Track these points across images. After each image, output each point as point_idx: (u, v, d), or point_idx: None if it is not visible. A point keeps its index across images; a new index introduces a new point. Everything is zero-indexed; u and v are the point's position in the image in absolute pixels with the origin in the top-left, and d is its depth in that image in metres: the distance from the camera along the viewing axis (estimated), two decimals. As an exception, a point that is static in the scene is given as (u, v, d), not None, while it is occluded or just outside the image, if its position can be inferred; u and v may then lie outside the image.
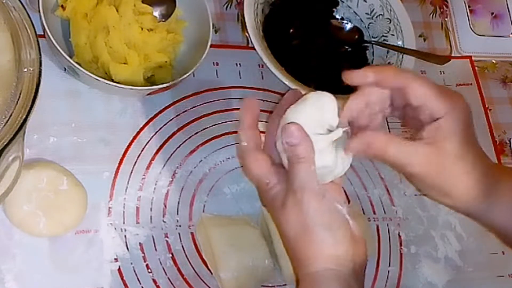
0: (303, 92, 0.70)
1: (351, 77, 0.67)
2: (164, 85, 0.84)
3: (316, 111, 0.66)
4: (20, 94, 0.68)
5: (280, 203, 0.66)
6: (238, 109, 0.93)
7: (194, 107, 0.91)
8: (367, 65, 1.02)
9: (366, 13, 1.04)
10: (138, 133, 0.87)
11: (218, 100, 0.93)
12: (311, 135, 0.65)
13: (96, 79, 0.81)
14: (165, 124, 0.89)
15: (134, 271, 0.80)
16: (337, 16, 1.05)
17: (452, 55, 1.11)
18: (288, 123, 0.65)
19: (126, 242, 0.81)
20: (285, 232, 0.66)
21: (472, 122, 0.68)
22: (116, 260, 0.80)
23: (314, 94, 0.68)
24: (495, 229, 0.72)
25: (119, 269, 0.79)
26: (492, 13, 1.17)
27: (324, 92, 0.68)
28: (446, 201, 0.70)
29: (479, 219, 0.71)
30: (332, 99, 0.67)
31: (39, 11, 0.80)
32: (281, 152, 0.67)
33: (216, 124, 0.91)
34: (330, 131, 0.66)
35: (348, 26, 1.05)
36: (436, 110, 0.66)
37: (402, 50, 1.01)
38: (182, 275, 0.82)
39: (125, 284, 0.79)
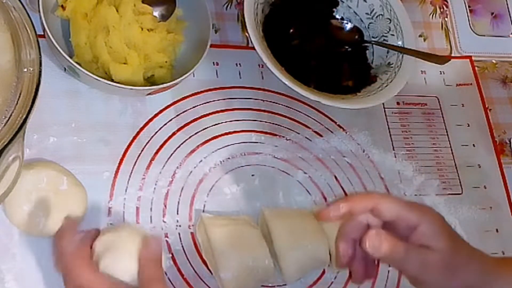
0: None
1: (326, 215, 0.70)
2: (164, 85, 0.84)
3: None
4: (20, 94, 0.68)
5: None
6: (238, 109, 0.93)
7: (194, 107, 0.91)
8: (368, 65, 1.02)
9: (366, 13, 1.04)
10: (138, 133, 0.87)
11: (218, 100, 0.93)
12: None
13: (96, 79, 0.81)
14: (165, 124, 0.89)
15: (134, 271, 0.80)
16: (337, 16, 1.05)
17: (452, 55, 1.11)
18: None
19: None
20: None
21: (450, 226, 0.71)
22: (116, 260, 0.80)
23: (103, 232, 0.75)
24: None
25: (119, 269, 0.79)
26: (492, 13, 1.17)
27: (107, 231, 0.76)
28: None
29: None
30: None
31: (39, 11, 0.80)
32: None
33: (216, 124, 0.91)
34: None
35: (348, 26, 1.05)
36: (410, 220, 0.69)
37: (402, 50, 1.01)
38: (182, 275, 0.82)
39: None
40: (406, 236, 0.69)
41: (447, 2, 1.15)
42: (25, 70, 0.69)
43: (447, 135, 1.04)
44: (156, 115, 0.89)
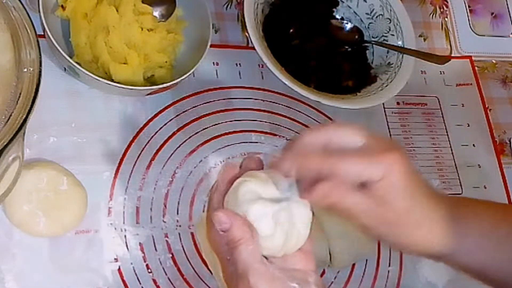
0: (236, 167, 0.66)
1: (278, 167, 0.63)
2: (164, 85, 0.84)
3: (253, 189, 0.63)
4: (20, 94, 0.68)
5: (234, 286, 0.63)
6: (238, 109, 0.93)
7: (194, 107, 0.91)
8: (368, 65, 1.02)
9: (366, 13, 1.04)
10: (138, 133, 0.87)
11: (218, 100, 0.93)
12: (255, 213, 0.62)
13: (96, 79, 0.81)
14: (165, 124, 0.89)
15: (134, 271, 0.80)
16: (337, 16, 1.05)
17: (452, 55, 1.11)
18: (216, 211, 0.62)
19: (126, 242, 0.81)
20: None
21: (415, 172, 0.65)
22: (116, 260, 0.80)
23: (247, 172, 0.65)
24: (471, 270, 0.70)
25: (119, 269, 0.79)
26: (492, 13, 1.17)
27: (252, 172, 0.65)
28: (409, 251, 0.68)
29: (452, 263, 0.69)
30: (258, 176, 0.64)
31: (39, 11, 0.80)
32: None
33: (216, 124, 0.91)
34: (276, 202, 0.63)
35: (348, 26, 1.05)
36: (372, 177, 0.62)
37: (402, 50, 1.01)
38: (182, 275, 0.82)
39: (125, 284, 0.79)
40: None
41: (447, 2, 1.15)
42: (25, 70, 0.69)
43: (447, 135, 1.04)
44: (156, 115, 0.89)
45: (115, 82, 0.83)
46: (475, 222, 0.69)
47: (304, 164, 0.63)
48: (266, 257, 0.63)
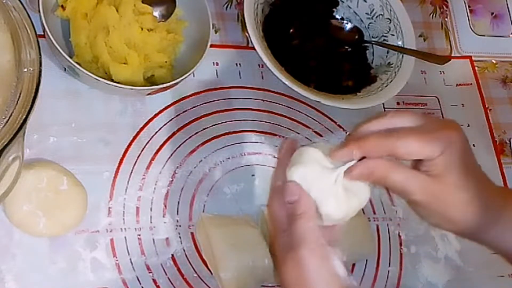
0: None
1: (338, 156, 0.66)
2: (164, 85, 0.84)
3: (315, 164, 0.66)
4: (20, 94, 0.68)
5: (282, 257, 0.65)
6: (238, 109, 0.93)
7: (194, 107, 0.91)
8: (368, 65, 1.02)
9: (366, 13, 1.04)
10: (138, 133, 0.87)
11: (218, 100, 0.93)
12: (316, 188, 0.65)
13: (96, 79, 0.81)
14: (165, 124, 0.89)
15: (134, 271, 0.80)
16: (337, 16, 1.05)
17: (452, 55, 1.11)
18: (287, 182, 0.65)
19: (126, 242, 0.81)
20: (284, 286, 0.65)
21: (470, 152, 0.68)
22: (116, 260, 0.80)
23: (306, 146, 0.68)
24: (505, 254, 0.71)
25: (119, 269, 0.79)
26: (492, 13, 1.17)
27: (311, 145, 0.68)
28: (451, 229, 0.70)
29: (488, 244, 0.71)
30: (316, 150, 0.67)
31: (39, 11, 0.80)
32: None
33: (216, 124, 0.91)
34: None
35: (348, 26, 1.05)
36: (430, 155, 0.65)
37: (402, 50, 1.01)
38: (182, 275, 0.82)
39: (125, 284, 0.79)
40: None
41: (447, 2, 1.15)
42: (25, 70, 0.69)
43: (447, 135, 1.04)
44: (156, 115, 0.89)
45: (115, 82, 0.83)
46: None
47: (364, 145, 0.65)
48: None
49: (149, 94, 0.88)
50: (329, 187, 0.65)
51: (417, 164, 0.66)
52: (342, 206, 0.66)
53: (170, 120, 0.89)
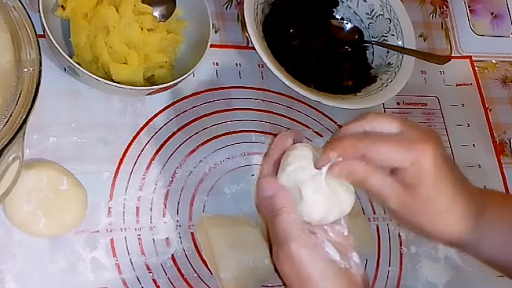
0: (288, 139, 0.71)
1: (319, 164, 0.67)
2: (164, 85, 0.84)
3: (303, 160, 0.67)
4: (20, 94, 0.68)
5: (275, 252, 0.66)
6: (238, 109, 0.93)
7: (194, 107, 0.91)
8: (368, 65, 1.02)
9: (366, 13, 1.04)
10: (138, 133, 0.87)
11: (218, 100, 0.93)
12: (302, 181, 0.66)
13: (96, 79, 0.81)
14: (165, 124, 0.89)
15: (134, 271, 0.80)
16: (337, 16, 1.05)
17: (452, 55, 1.11)
18: (259, 178, 0.66)
19: (126, 242, 0.81)
20: (284, 280, 0.66)
21: (447, 162, 0.67)
22: (116, 260, 0.80)
23: (297, 145, 0.70)
24: (490, 260, 0.71)
25: (119, 269, 0.79)
26: (492, 13, 1.17)
27: (302, 144, 0.70)
28: (431, 238, 0.70)
29: (471, 252, 0.71)
30: (308, 148, 0.69)
31: (39, 11, 0.80)
32: None
33: (216, 124, 0.91)
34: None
35: (348, 26, 1.05)
36: (403, 163, 0.65)
37: (402, 50, 1.01)
38: (182, 275, 0.82)
39: (125, 284, 0.79)
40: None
41: (447, 2, 1.15)
42: (25, 70, 0.69)
43: (447, 135, 1.04)
44: (156, 115, 0.89)
45: (115, 82, 0.83)
46: (500, 215, 0.70)
47: (338, 146, 0.66)
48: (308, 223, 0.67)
49: (149, 94, 0.88)
50: (313, 185, 0.66)
51: (392, 172, 0.67)
52: (324, 207, 0.66)
53: (170, 120, 0.89)
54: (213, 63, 0.95)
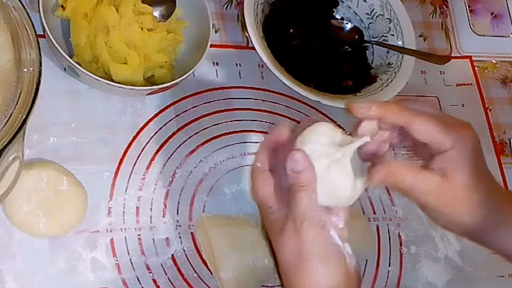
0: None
1: (355, 108, 0.67)
2: (164, 85, 0.84)
3: (324, 138, 0.67)
4: (20, 94, 0.68)
5: (279, 228, 0.66)
6: (238, 109, 0.93)
7: (194, 107, 0.91)
8: (368, 65, 1.02)
9: (366, 13, 1.04)
10: (138, 133, 0.87)
11: (218, 100, 0.93)
12: (320, 160, 0.66)
13: (96, 79, 0.81)
14: (165, 124, 0.89)
15: (134, 271, 0.80)
16: (337, 16, 1.05)
17: (452, 55, 1.11)
18: (294, 150, 0.65)
19: (126, 242, 0.81)
20: (281, 258, 0.66)
21: (481, 152, 0.68)
22: (116, 260, 0.80)
23: (318, 123, 0.69)
24: (508, 255, 0.71)
25: (119, 269, 0.79)
26: (492, 13, 1.17)
27: (324, 122, 0.69)
28: (457, 230, 0.70)
29: (491, 247, 0.71)
30: (330, 126, 0.68)
31: (39, 11, 0.80)
32: None
33: (216, 124, 0.91)
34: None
35: (348, 26, 1.05)
36: (443, 144, 0.65)
37: (402, 50, 1.01)
38: (182, 275, 0.82)
39: (125, 284, 0.79)
40: (433, 153, 0.66)
41: (447, 2, 1.15)
42: (25, 70, 0.69)
43: (447, 135, 1.04)
44: (156, 115, 0.89)
45: (115, 82, 0.83)
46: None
47: (384, 106, 0.66)
48: None
49: (149, 94, 0.88)
50: (332, 167, 0.66)
51: (427, 163, 0.67)
52: (325, 189, 0.66)
53: (170, 120, 0.89)
54: (213, 63, 0.95)
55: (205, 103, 0.92)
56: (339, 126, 0.96)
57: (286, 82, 0.90)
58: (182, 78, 0.85)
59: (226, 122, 0.92)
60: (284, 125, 0.71)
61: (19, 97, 0.67)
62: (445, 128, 0.65)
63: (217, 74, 0.95)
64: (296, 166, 0.64)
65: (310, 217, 0.64)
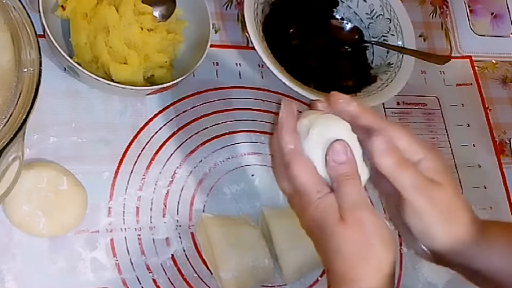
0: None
1: (333, 100, 0.69)
2: (164, 85, 0.84)
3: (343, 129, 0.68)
4: (20, 94, 0.68)
5: (337, 218, 0.64)
6: (238, 109, 0.93)
7: (194, 107, 0.91)
8: (368, 65, 1.02)
9: (366, 13, 1.04)
10: (138, 133, 0.87)
11: (218, 100, 0.93)
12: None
13: (96, 79, 0.81)
14: (165, 124, 0.89)
15: (134, 271, 0.80)
16: (337, 16, 1.05)
17: (452, 55, 1.11)
18: (335, 141, 0.65)
19: (126, 242, 0.81)
20: (343, 249, 0.64)
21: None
22: (116, 260, 0.80)
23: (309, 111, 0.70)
24: (486, 272, 0.70)
25: (119, 269, 0.79)
26: (492, 13, 1.17)
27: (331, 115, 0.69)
28: (432, 247, 0.69)
29: (466, 265, 0.69)
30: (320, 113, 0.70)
31: (39, 11, 0.80)
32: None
33: (216, 124, 0.91)
34: None
35: (348, 26, 1.05)
36: (418, 151, 0.66)
37: (402, 50, 1.01)
38: (182, 275, 0.82)
39: (125, 284, 0.79)
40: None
41: (447, 2, 1.15)
42: (25, 70, 0.69)
43: (447, 135, 1.04)
44: (156, 115, 0.89)
45: (115, 82, 0.83)
46: (500, 235, 0.70)
47: (362, 108, 0.68)
48: None
49: (149, 94, 0.88)
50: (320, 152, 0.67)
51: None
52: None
53: (170, 120, 0.89)
54: (213, 63, 0.95)
55: (205, 103, 0.92)
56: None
57: (286, 82, 0.90)
58: (182, 78, 0.85)
59: (226, 122, 0.92)
60: (290, 103, 0.71)
61: (19, 97, 0.67)
62: (418, 140, 0.67)
63: (217, 74, 0.95)
64: (342, 158, 0.65)
65: (367, 204, 0.65)
